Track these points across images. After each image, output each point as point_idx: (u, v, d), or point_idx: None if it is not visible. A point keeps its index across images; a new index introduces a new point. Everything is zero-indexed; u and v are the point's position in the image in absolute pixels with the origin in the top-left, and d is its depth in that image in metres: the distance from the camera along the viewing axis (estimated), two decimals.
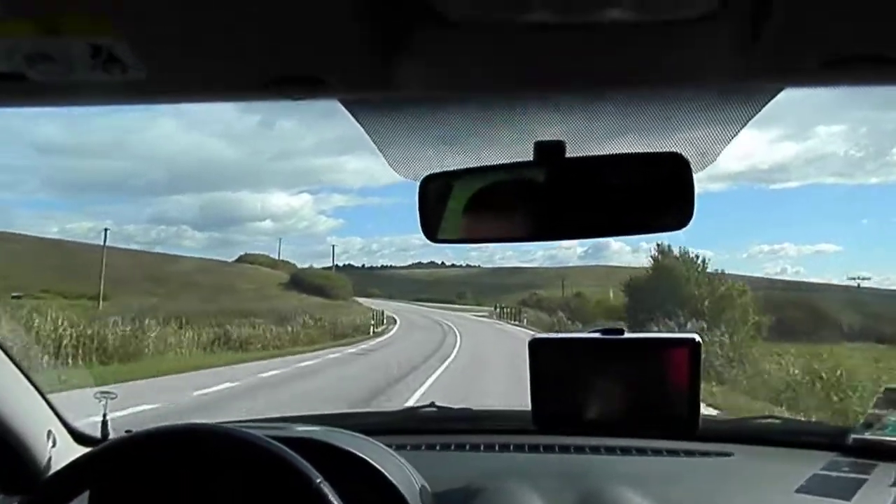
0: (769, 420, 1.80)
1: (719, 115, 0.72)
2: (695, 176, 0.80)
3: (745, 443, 1.48)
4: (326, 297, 40.41)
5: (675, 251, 23.33)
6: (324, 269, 50.13)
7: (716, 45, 0.51)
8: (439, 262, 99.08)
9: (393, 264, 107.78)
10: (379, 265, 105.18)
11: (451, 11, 0.45)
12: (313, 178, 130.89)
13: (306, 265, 50.39)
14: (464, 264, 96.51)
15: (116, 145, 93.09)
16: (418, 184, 0.87)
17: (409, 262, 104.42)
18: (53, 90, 0.56)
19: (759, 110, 0.69)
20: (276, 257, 53.45)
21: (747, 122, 0.71)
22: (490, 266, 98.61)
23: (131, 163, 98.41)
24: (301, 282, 43.96)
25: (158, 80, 0.54)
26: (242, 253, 50.48)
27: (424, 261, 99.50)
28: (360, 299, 50.27)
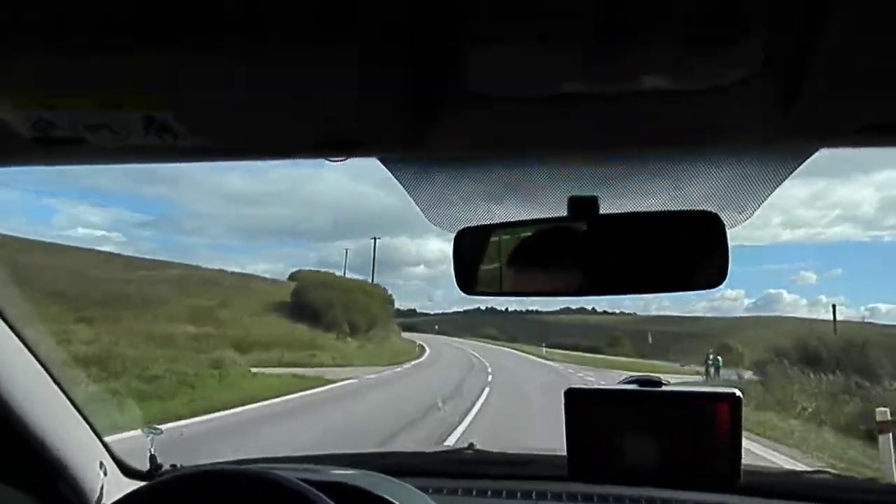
0: (821, 475, 1.65)
1: (755, 175, 0.71)
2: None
3: (791, 499, 1.42)
4: (317, 329, 24.64)
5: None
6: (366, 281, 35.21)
7: (752, 108, 0.50)
8: (589, 308, 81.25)
9: (539, 309, 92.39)
10: (524, 310, 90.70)
11: (482, 87, 0.47)
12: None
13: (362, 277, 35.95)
14: (617, 311, 77.66)
15: (289, 194, 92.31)
16: (453, 237, 0.89)
17: (558, 308, 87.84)
18: (109, 152, 0.60)
19: (795, 170, 0.68)
20: (343, 274, 39.73)
21: (782, 181, 0.71)
22: (645, 314, 78.11)
23: (301, 210, 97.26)
24: (299, 302, 28.76)
25: (207, 145, 0.57)
26: (295, 270, 37.87)
27: (574, 307, 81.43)
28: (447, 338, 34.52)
